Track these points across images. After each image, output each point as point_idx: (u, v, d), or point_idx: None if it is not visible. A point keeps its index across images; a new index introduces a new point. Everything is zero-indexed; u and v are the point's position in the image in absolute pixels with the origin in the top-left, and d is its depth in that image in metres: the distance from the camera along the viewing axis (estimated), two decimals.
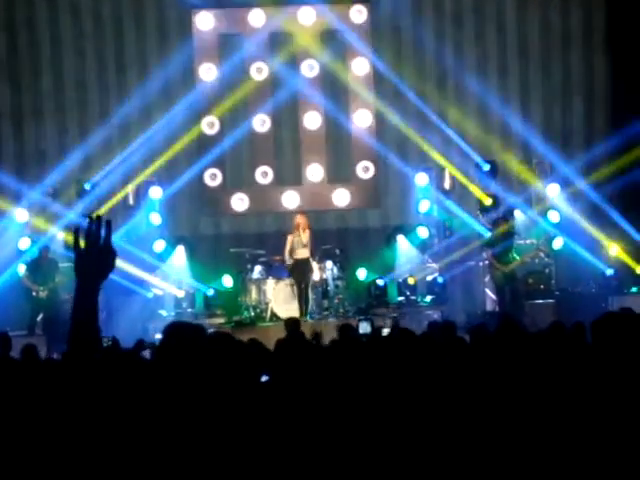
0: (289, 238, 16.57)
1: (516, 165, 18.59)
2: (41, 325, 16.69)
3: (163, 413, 3.35)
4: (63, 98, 18.77)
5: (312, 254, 16.73)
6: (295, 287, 16.68)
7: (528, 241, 17.95)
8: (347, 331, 9.32)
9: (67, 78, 18.75)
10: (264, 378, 4.66)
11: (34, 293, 16.72)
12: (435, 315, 16.64)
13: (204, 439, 3.29)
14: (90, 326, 3.38)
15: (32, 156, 18.74)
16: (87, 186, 18.02)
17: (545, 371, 4.78)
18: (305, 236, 16.46)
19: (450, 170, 18.55)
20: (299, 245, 16.48)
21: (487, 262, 17.44)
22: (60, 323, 16.13)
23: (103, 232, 3.44)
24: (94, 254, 3.42)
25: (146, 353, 9.47)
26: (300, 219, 16.60)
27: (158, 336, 16.59)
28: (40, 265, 16.84)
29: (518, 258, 16.79)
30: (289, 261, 16.63)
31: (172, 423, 3.31)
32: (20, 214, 17.61)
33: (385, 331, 10.52)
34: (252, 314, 17.03)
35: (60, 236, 17.63)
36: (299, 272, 16.56)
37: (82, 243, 3.46)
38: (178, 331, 3.61)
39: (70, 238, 3.26)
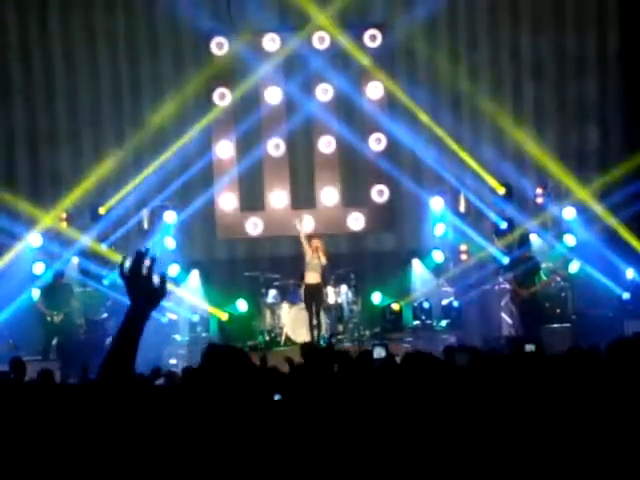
0: (308, 252, 16.44)
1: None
2: (55, 350, 16.65)
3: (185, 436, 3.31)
4: (77, 122, 18.80)
5: (324, 278, 16.65)
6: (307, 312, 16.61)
7: (544, 265, 17.87)
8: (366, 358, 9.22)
9: (82, 102, 18.79)
10: (277, 397, 4.63)
11: (48, 318, 16.68)
12: (451, 339, 16.55)
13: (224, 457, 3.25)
14: (130, 352, 3.51)
15: (47, 180, 18.77)
16: (102, 210, 18.04)
17: (561, 394, 4.73)
18: (323, 259, 16.37)
19: (465, 194, 18.50)
20: (312, 268, 16.40)
21: (505, 286, 17.41)
22: (74, 348, 16.12)
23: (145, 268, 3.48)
24: (143, 283, 3.48)
25: (161, 381, 9.40)
26: (317, 243, 16.54)
27: (173, 361, 16.58)
28: (54, 290, 16.82)
29: (545, 279, 16.81)
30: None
31: (194, 445, 3.28)
32: (34, 239, 17.62)
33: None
34: (266, 338, 17.00)
35: (75, 261, 17.66)
36: (310, 297, 16.48)
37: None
38: (218, 354, 3.59)
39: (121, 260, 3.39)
